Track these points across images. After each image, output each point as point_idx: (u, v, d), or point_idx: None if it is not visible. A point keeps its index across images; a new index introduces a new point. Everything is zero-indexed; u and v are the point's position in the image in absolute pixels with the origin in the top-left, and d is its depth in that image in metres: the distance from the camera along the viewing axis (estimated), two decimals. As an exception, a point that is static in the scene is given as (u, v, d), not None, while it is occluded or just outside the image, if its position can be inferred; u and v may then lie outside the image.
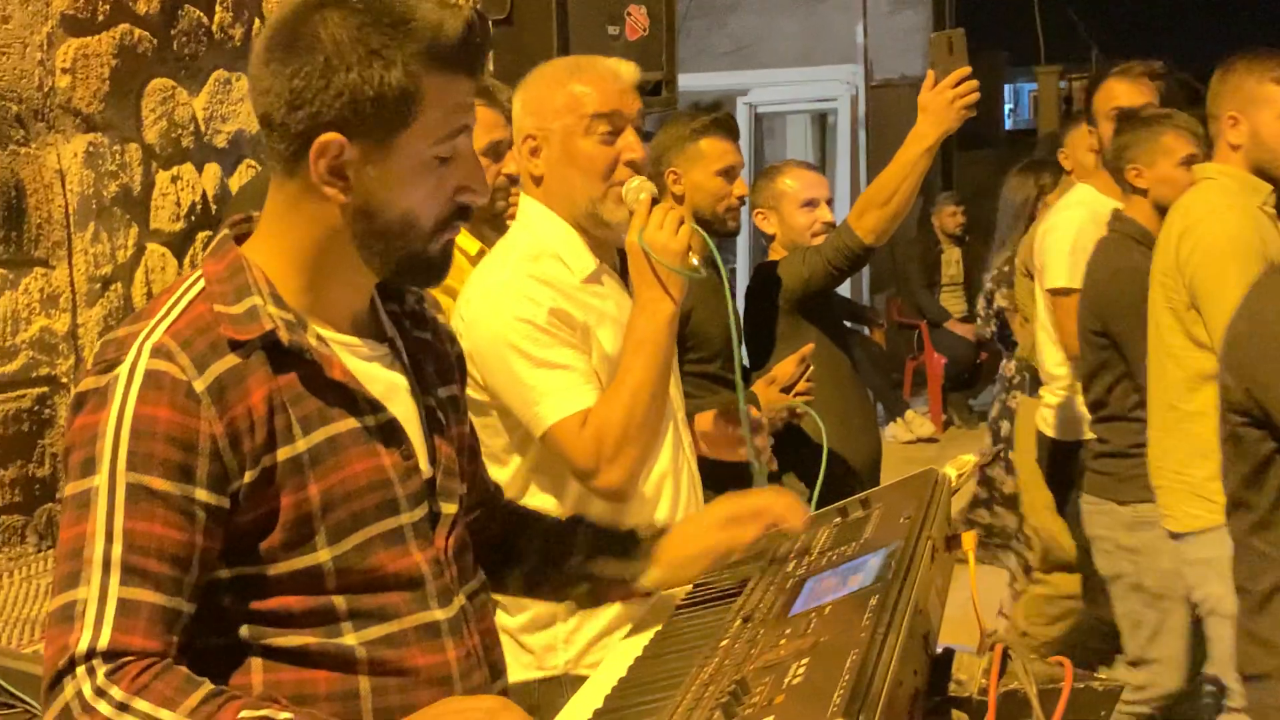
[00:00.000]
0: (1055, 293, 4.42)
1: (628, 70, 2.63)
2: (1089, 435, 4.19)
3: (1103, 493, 3.94)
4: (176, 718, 1.45)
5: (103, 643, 1.46)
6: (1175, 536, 3.56)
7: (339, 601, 1.63)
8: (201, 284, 1.63)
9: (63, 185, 3.52)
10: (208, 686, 1.48)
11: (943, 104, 3.58)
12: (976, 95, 3.61)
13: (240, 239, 1.70)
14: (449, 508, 1.76)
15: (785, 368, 3.67)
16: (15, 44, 3.39)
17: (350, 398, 1.66)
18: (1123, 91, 4.33)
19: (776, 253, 4.19)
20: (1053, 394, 4.59)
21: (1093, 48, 14.45)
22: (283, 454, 1.59)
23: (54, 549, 3.16)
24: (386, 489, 1.67)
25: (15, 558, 3.09)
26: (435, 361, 1.83)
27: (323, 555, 1.61)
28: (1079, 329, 4.05)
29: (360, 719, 1.62)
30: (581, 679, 2.48)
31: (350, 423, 1.65)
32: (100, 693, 1.45)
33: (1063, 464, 4.54)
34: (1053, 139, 5.94)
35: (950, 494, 2.11)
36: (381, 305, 1.78)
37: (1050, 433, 4.61)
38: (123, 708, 1.44)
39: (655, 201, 2.52)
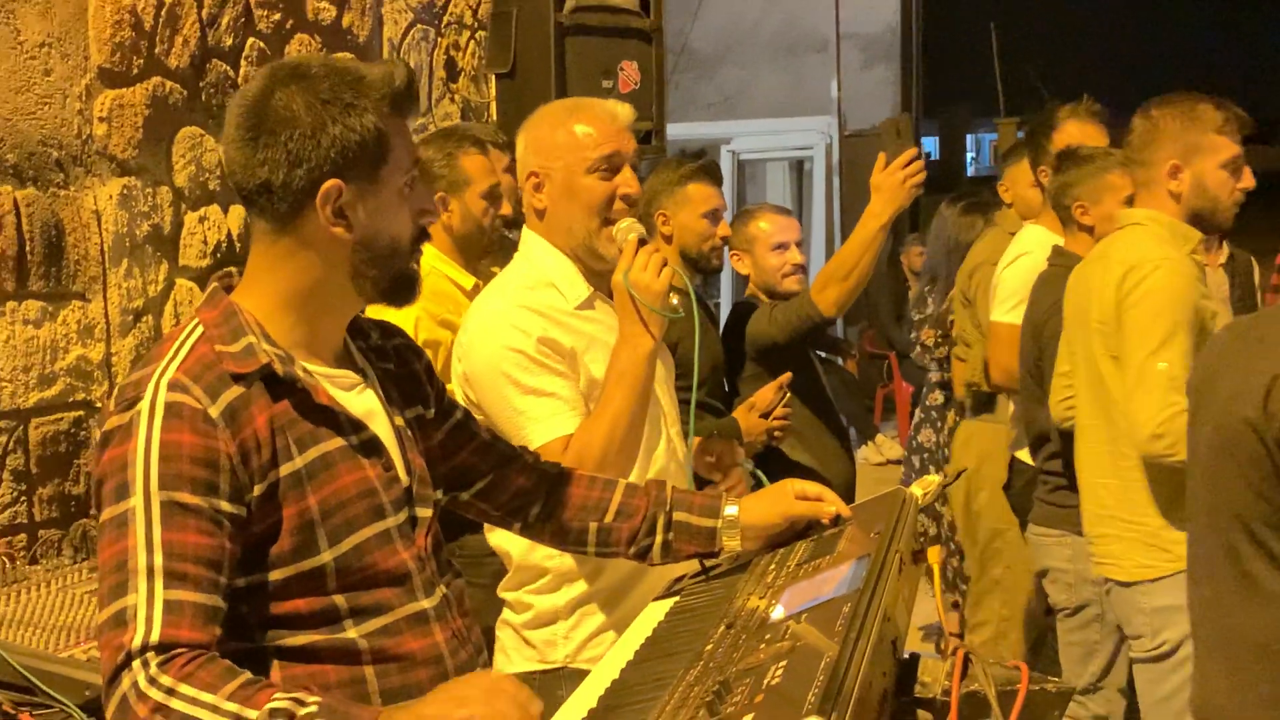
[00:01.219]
0: (998, 325, 4.31)
1: (624, 111, 2.64)
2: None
3: (1060, 524, 3.69)
4: (218, 700, 1.51)
5: (154, 638, 1.53)
6: (1120, 585, 3.35)
7: (340, 601, 1.72)
8: (201, 329, 1.73)
9: (99, 225, 3.53)
10: (246, 675, 1.55)
11: (894, 184, 3.59)
12: (924, 174, 3.61)
13: (227, 290, 1.80)
14: (424, 512, 1.85)
15: (764, 395, 3.68)
16: (56, 95, 3.41)
17: (336, 420, 1.76)
18: (1077, 131, 4.28)
19: (753, 290, 4.20)
20: None
21: (1048, 101, 14.53)
22: (284, 470, 1.69)
23: (88, 561, 3.16)
24: (374, 496, 1.77)
25: (52, 569, 3.08)
26: (399, 386, 1.92)
27: (325, 557, 1.71)
28: (1021, 362, 3.95)
29: (369, 699, 1.71)
30: (578, 671, 2.49)
31: (338, 441, 1.75)
32: (152, 681, 1.52)
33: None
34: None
35: (917, 511, 2.13)
36: (351, 343, 1.88)
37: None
38: (170, 692, 1.51)
39: (643, 242, 2.53)
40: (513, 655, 2.59)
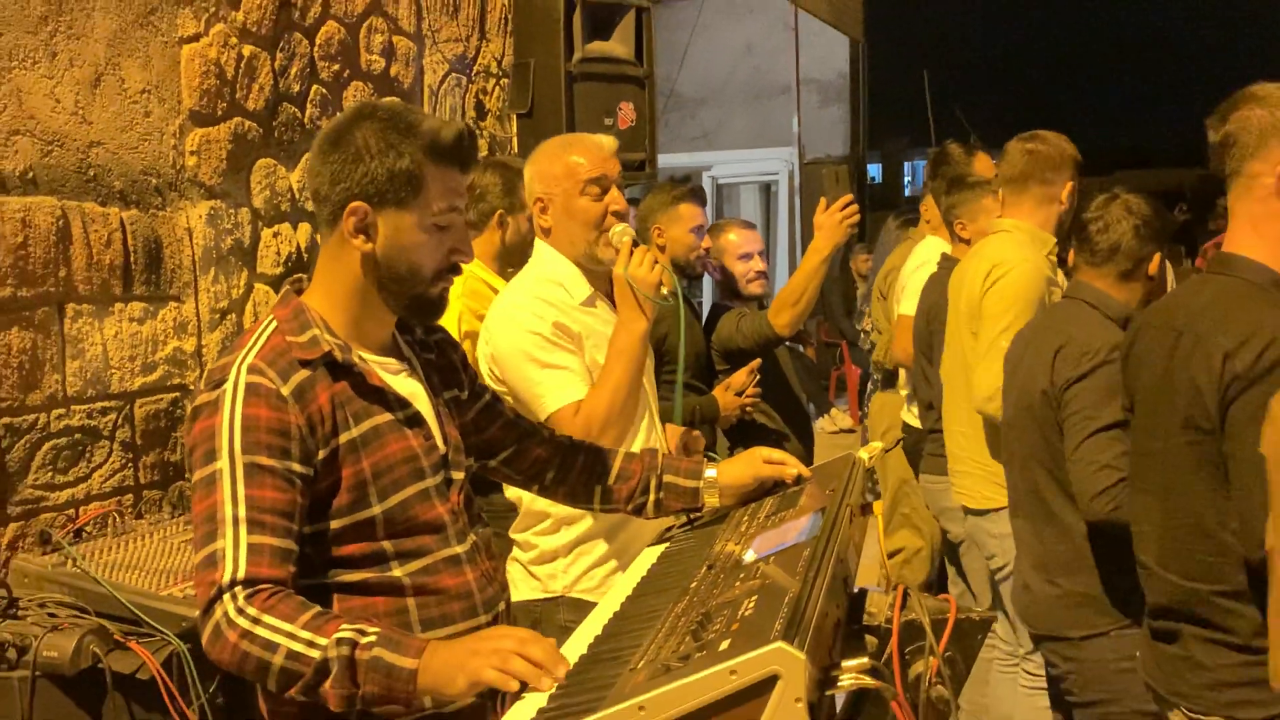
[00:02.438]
0: (903, 316, 4.39)
1: (609, 141, 2.66)
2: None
3: (946, 472, 3.69)
4: (294, 629, 1.53)
5: (240, 574, 1.55)
6: (972, 513, 3.45)
7: (387, 545, 1.73)
8: (275, 324, 1.75)
9: (191, 240, 3.52)
10: (317, 608, 1.58)
11: (833, 224, 3.57)
12: (858, 216, 3.59)
13: (298, 293, 1.82)
14: (458, 475, 1.86)
15: (739, 377, 3.68)
16: (154, 133, 3.40)
17: (385, 398, 1.77)
18: (977, 163, 4.30)
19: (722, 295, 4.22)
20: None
21: (971, 133, 14.51)
22: (343, 438, 1.70)
23: (184, 516, 3.16)
24: (416, 461, 1.77)
25: (154, 523, 3.08)
26: (439, 373, 1.92)
27: (375, 509, 1.72)
28: (915, 343, 4.03)
29: (411, 626, 1.72)
30: (574, 600, 2.54)
31: (386, 416, 1.76)
32: (240, 611, 1.54)
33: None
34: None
35: (864, 472, 2.12)
36: (400, 336, 1.89)
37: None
38: (256, 621, 1.53)
39: (636, 243, 2.55)
40: (520, 586, 2.61)
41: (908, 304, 4.34)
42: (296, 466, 1.64)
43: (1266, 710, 2.02)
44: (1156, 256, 2.78)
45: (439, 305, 1.83)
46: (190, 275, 3.51)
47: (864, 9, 11.87)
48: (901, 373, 4.65)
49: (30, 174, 3.00)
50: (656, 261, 2.51)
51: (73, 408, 3.12)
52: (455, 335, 3.15)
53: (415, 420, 1.80)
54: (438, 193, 1.75)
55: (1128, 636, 2.59)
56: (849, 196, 3.69)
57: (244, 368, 1.66)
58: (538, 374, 2.48)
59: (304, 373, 1.69)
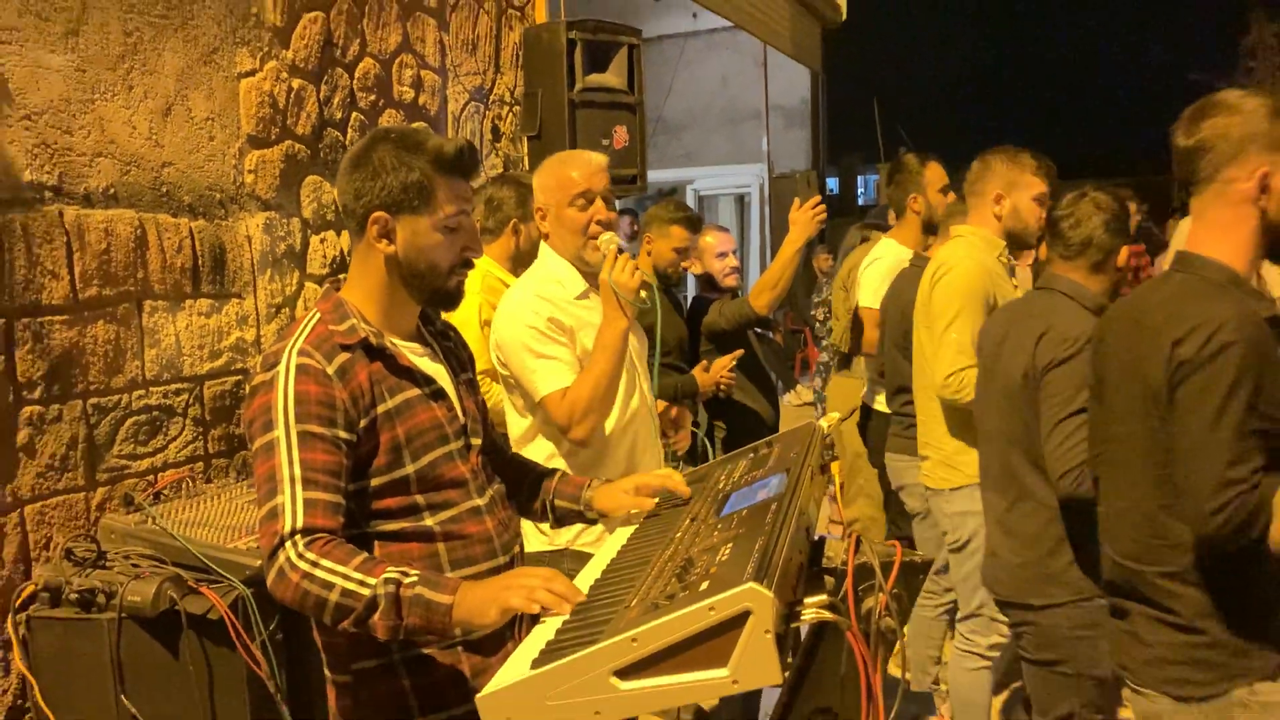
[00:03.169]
0: (863, 310, 4.20)
1: (598, 158, 2.63)
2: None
3: (914, 453, 3.47)
4: (348, 570, 1.54)
5: (299, 524, 1.56)
6: (931, 491, 3.28)
7: (420, 499, 1.74)
8: (319, 316, 1.75)
9: (250, 245, 3.50)
10: (365, 555, 1.58)
11: (805, 219, 3.64)
12: (825, 213, 3.66)
13: (337, 288, 1.82)
14: (476, 440, 1.86)
15: (721, 362, 3.69)
16: (218, 155, 3.37)
17: (413, 376, 1.77)
18: (930, 172, 4.12)
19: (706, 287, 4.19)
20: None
21: (912, 149, 14.47)
22: (380, 409, 1.70)
23: (247, 481, 3.15)
24: (441, 428, 1.78)
25: (221, 487, 3.07)
26: (454, 358, 1.92)
27: (409, 469, 1.73)
28: (889, 334, 3.78)
29: (441, 567, 1.73)
30: (576, 552, 2.54)
31: (415, 391, 1.76)
32: (301, 556, 1.55)
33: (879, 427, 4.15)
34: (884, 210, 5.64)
35: (823, 438, 2.12)
36: (423, 326, 1.89)
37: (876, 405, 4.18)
38: (315, 564, 1.54)
39: (622, 250, 2.53)
40: (531, 540, 2.61)
41: (864, 296, 4.18)
42: (342, 433, 1.64)
43: (1204, 690, 1.87)
44: (1124, 249, 2.63)
45: (456, 296, 1.82)
46: (250, 276, 3.49)
47: (822, 45, 11.82)
48: (860, 359, 4.47)
49: (112, 190, 2.98)
50: (637, 269, 2.49)
51: (151, 389, 3.10)
52: (475, 324, 3.16)
53: (439, 395, 1.80)
54: (446, 199, 1.74)
55: (1084, 608, 2.49)
56: (818, 198, 3.73)
57: (294, 352, 1.67)
58: (533, 362, 2.47)
59: (345, 355, 1.69)
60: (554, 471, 2.14)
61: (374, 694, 1.71)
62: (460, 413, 1.83)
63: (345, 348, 1.69)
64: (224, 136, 3.39)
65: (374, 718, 1.72)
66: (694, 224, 3.97)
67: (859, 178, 18.76)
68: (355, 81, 4.02)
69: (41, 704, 2.58)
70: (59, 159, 2.83)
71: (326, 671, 1.79)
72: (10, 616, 2.61)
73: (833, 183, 13.59)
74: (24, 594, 2.63)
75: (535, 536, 2.61)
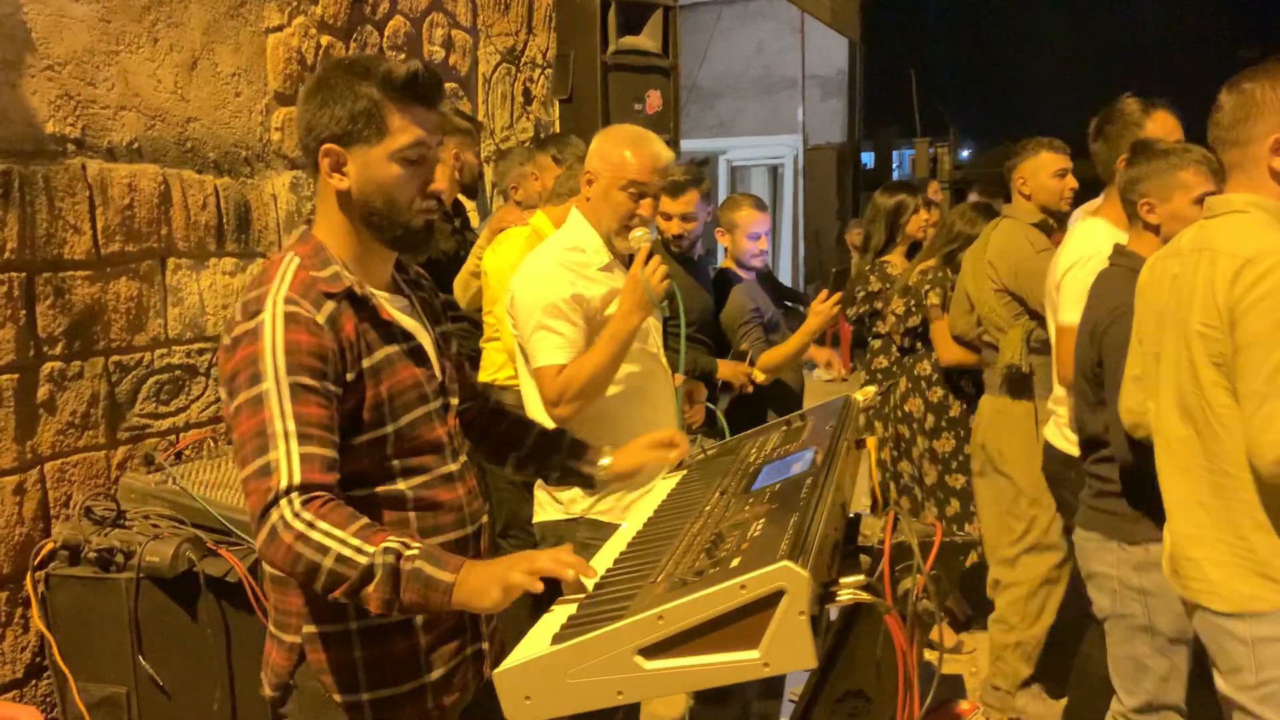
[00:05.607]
0: (1064, 328, 2.87)
1: (665, 156, 2.55)
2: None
3: (1108, 531, 2.49)
4: (345, 535, 1.45)
5: (296, 480, 1.46)
6: (1221, 615, 2.04)
7: (395, 463, 1.65)
8: (297, 260, 1.62)
9: (275, 204, 3.45)
10: (366, 520, 1.48)
11: (827, 310, 3.46)
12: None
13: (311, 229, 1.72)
14: (453, 400, 1.78)
15: (743, 372, 3.62)
16: (244, 112, 3.32)
17: (392, 332, 1.67)
18: (1155, 126, 3.01)
19: (728, 260, 3.97)
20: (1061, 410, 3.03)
21: (950, 127, 14.24)
22: (366, 364, 1.61)
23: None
24: (420, 387, 1.68)
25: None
26: (429, 309, 1.82)
27: (389, 428, 1.63)
28: (1076, 363, 2.64)
29: (412, 537, 1.59)
30: (591, 521, 2.50)
31: (396, 347, 1.66)
32: (296, 515, 1.45)
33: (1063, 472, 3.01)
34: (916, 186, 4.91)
35: (858, 412, 2.04)
36: (398, 275, 1.78)
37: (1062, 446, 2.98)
38: (310, 525, 1.44)
39: (652, 254, 2.45)
40: (546, 509, 2.57)
41: (1069, 312, 2.82)
42: (332, 386, 1.54)
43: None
44: None
45: (424, 239, 1.69)
46: (275, 235, 3.44)
47: (860, 14, 11.62)
48: (1053, 382, 3.14)
49: (136, 145, 2.94)
50: (667, 276, 2.42)
51: (173, 348, 3.07)
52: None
53: (418, 352, 1.70)
54: (401, 127, 1.61)
55: None
56: (839, 295, 3.58)
57: (280, 298, 1.55)
58: (538, 333, 2.44)
59: (331, 304, 1.58)
60: (563, 431, 2.08)
61: (322, 660, 1.64)
62: (438, 370, 1.74)
63: (330, 296, 1.59)
64: (250, 93, 3.33)
65: (315, 683, 1.64)
66: (676, 189, 3.80)
67: (894, 153, 18.54)
68: (385, 39, 3.95)
69: (59, 662, 2.56)
70: (82, 111, 2.78)
71: (271, 628, 1.70)
72: (29, 574, 2.60)
73: (867, 157, 13.39)
74: (43, 551, 2.61)
75: (550, 506, 2.56)
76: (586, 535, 2.48)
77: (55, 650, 2.57)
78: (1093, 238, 2.86)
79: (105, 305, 2.84)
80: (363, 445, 1.61)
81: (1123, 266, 2.54)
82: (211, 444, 3.06)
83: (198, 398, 3.15)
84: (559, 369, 2.40)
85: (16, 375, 2.61)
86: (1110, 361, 2.46)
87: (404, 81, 1.61)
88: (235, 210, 3.27)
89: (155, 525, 2.58)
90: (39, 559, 2.60)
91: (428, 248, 1.72)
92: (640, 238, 2.48)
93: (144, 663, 2.52)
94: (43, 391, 2.68)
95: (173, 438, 3.05)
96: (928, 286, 4.00)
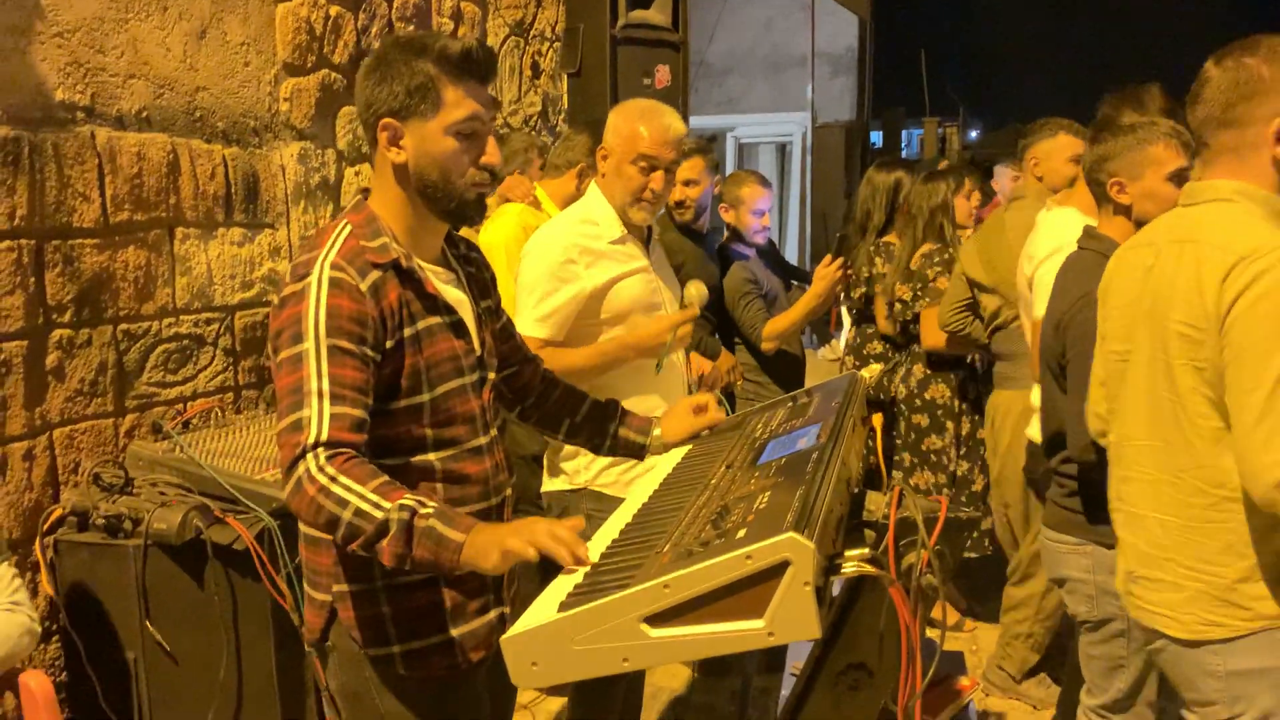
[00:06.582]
0: (1039, 324, 2.66)
1: (678, 130, 2.56)
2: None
3: (1081, 533, 2.34)
4: (365, 490, 1.49)
5: (324, 436, 1.51)
6: (1184, 644, 1.88)
7: (429, 433, 1.69)
8: (349, 228, 1.68)
9: (284, 175, 3.45)
10: (385, 477, 1.53)
11: (832, 275, 3.49)
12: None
13: (366, 198, 1.77)
14: (490, 375, 1.82)
15: (729, 375, 3.64)
16: (252, 81, 3.31)
17: (437, 304, 1.72)
18: (1070, 144, 3.24)
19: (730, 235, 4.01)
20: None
21: (959, 107, 14.18)
22: (407, 332, 1.66)
23: (277, 413, 3.13)
24: (457, 360, 1.73)
25: (250, 418, 3.05)
26: (477, 284, 1.87)
27: (425, 396, 1.68)
28: (1044, 357, 2.48)
29: (429, 496, 1.63)
30: (593, 492, 2.54)
31: (438, 319, 1.71)
32: (321, 469, 1.50)
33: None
34: (924, 164, 4.55)
35: (865, 389, 2.05)
36: (448, 249, 1.84)
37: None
38: (333, 479, 1.49)
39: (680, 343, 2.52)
40: (552, 479, 2.62)
41: (1044, 306, 2.61)
42: (370, 351, 1.59)
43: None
44: None
45: (477, 210, 1.74)
46: (283, 206, 3.45)
47: (871, -9, 11.55)
48: (1014, 366, 3.30)
49: (145, 113, 2.94)
50: (683, 344, 2.52)
51: (181, 317, 3.08)
52: (503, 259, 3.11)
53: (459, 326, 1.75)
54: (455, 101, 1.66)
55: None
56: (842, 259, 3.59)
57: (327, 264, 1.61)
58: (531, 297, 2.48)
59: (377, 273, 1.63)
60: (615, 400, 2.13)
61: (352, 617, 1.70)
62: (477, 344, 1.79)
63: (376, 265, 1.64)
64: (259, 62, 3.33)
65: (348, 640, 1.71)
66: (703, 150, 3.76)
67: (903, 132, 18.44)
68: (394, 11, 3.94)
69: (68, 626, 2.59)
70: (91, 79, 2.78)
71: (306, 588, 1.77)
72: (39, 539, 2.62)
73: (876, 137, 13.33)
74: (52, 517, 2.63)
75: (557, 475, 2.60)
76: (590, 506, 2.51)
77: (64, 615, 2.59)
78: (1065, 228, 2.67)
79: (114, 274, 2.85)
80: (399, 411, 1.66)
81: (1092, 251, 2.38)
82: (219, 413, 3.08)
83: (205, 367, 3.16)
84: (540, 343, 2.43)
85: (26, 342, 2.62)
86: (1074, 353, 2.30)
87: (459, 57, 1.65)
88: (243, 181, 3.27)
89: (163, 493, 2.60)
90: (48, 525, 2.62)
91: (480, 219, 1.76)
92: (696, 297, 2.52)
93: (151, 629, 2.54)
94: (51, 359, 2.69)
95: (180, 407, 3.06)
96: (937, 270, 3.85)
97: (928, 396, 3.82)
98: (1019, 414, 3.23)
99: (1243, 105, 1.79)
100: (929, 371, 3.85)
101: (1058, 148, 3.46)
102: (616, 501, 2.52)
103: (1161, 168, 2.33)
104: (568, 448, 2.56)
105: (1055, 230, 2.76)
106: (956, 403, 3.83)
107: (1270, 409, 1.65)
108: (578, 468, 2.56)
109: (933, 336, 3.78)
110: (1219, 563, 1.81)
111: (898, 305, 3.93)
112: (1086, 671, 2.43)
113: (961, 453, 3.82)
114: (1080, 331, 2.27)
